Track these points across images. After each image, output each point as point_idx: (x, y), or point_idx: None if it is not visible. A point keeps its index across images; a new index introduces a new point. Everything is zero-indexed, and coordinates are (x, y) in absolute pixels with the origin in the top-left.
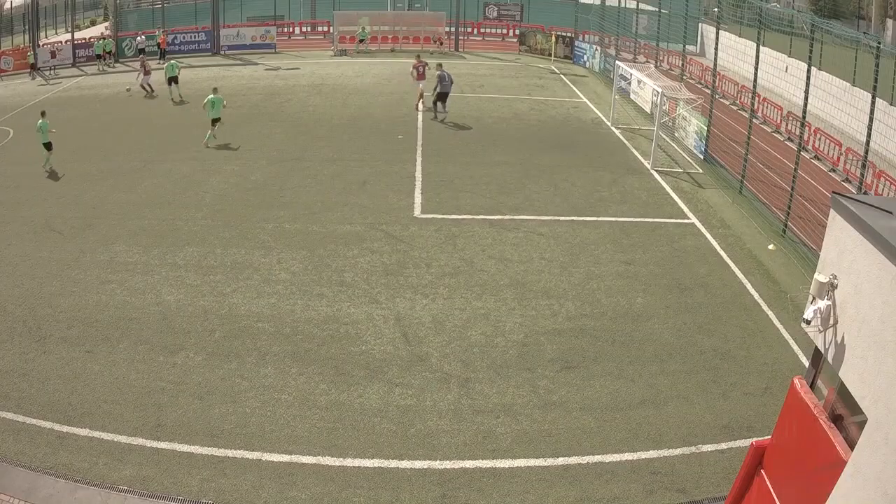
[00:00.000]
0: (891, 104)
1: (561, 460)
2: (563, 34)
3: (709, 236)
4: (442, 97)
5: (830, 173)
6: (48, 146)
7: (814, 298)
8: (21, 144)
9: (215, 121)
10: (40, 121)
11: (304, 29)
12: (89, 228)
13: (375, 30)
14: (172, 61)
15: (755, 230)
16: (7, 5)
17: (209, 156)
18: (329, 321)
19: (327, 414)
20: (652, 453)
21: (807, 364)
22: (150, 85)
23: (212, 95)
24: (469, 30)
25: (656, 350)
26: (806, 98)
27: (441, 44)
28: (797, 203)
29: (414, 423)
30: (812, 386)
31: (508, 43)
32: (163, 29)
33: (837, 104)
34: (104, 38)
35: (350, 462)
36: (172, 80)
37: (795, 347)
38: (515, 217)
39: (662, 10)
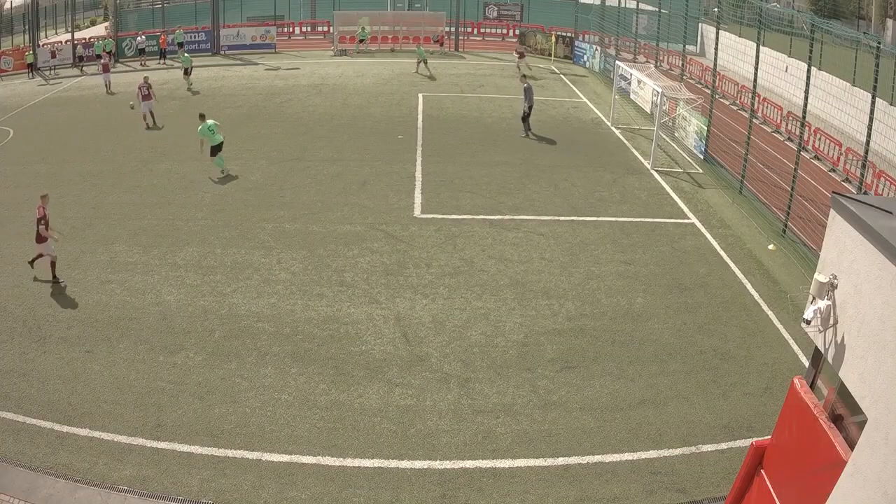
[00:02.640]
0: (891, 104)
1: (561, 460)
2: (563, 34)
3: (709, 236)
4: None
5: (830, 173)
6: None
7: (814, 298)
8: (21, 144)
9: (216, 148)
10: (210, 122)
11: (304, 29)
12: (89, 228)
13: (375, 30)
14: (186, 54)
15: (755, 230)
16: (7, 5)
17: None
18: (329, 321)
19: (327, 414)
20: (652, 453)
21: (807, 364)
22: (108, 83)
23: (208, 122)
24: (469, 30)
25: (656, 350)
26: (806, 98)
27: (441, 44)
28: (797, 203)
29: (414, 423)
30: (812, 386)
31: (508, 43)
32: (180, 28)
33: (837, 104)
34: (104, 39)
35: (350, 462)
36: (186, 71)
37: (795, 347)
38: (515, 217)
39: (662, 10)
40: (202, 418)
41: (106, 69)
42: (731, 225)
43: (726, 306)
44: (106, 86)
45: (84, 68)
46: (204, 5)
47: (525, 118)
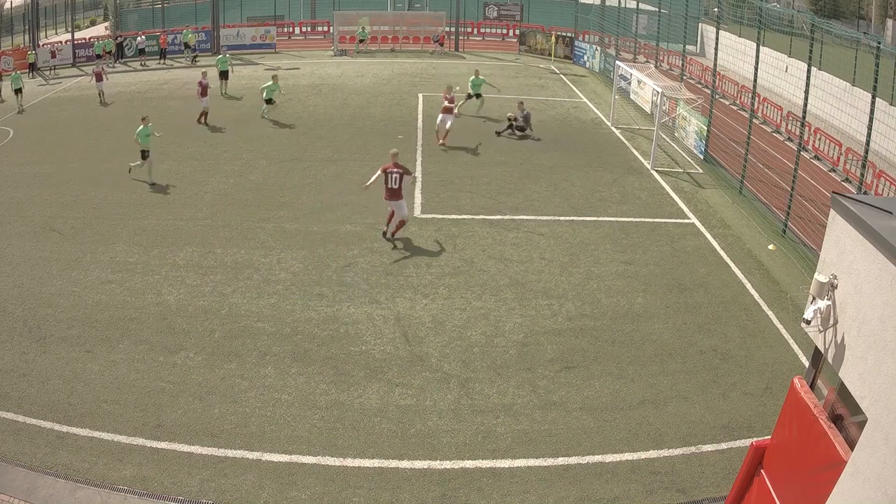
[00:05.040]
0: (891, 104)
1: (561, 460)
2: (563, 34)
3: (709, 236)
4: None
5: (830, 173)
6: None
7: (814, 298)
8: (21, 144)
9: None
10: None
11: (304, 29)
12: (89, 228)
13: (375, 30)
14: (221, 56)
15: (755, 230)
16: (7, 5)
17: (209, 156)
18: (329, 321)
19: (327, 414)
20: (652, 453)
21: (807, 364)
22: (102, 93)
23: (269, 83)
24: (469, 30)
25: (656, 350)
26: (806, 98)
27: (441, 44)
28: (797, 203)
29: (414, 423)
30: (812, 386)
31: (508, 43)
32: (188, 27)
33: (837, 104)
34: (104, 39)
35: (350, 462)
36: (223, 74)
37: (795, 347)
38: (515, 217)
39: (662, 10)
40: (202, 418)
41: (99, 77)
42: (731, 225)
43: (726, 306)
44: (99, 95)
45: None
46: (204, 5)
47: (520, 129)
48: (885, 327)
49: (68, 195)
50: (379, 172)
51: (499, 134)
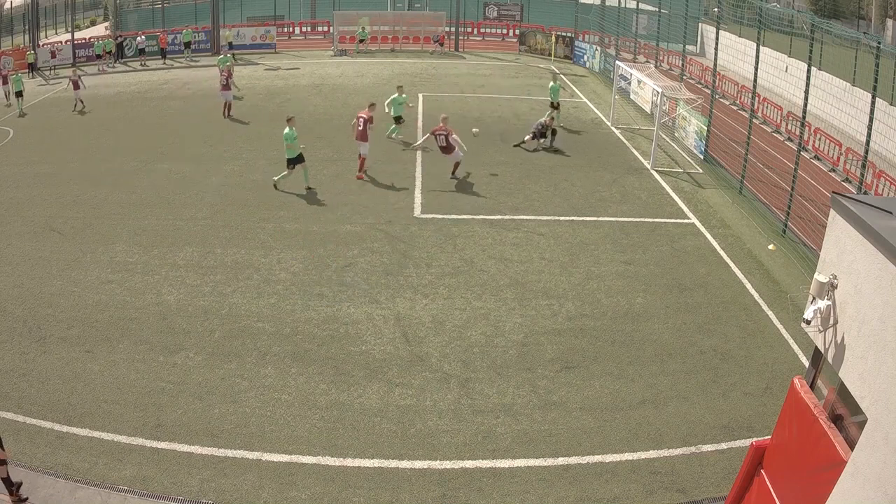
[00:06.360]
0: (891, 104)
1: (561, 460)
2: (563, 34)
3: (709, 236)
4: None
5: (830, 173)
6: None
7: (814, 298)
8: (21, 144)
9: (292, 161)
10: (287, 129)
11: (304, 29)
12: (89, 228)
13: (375, 30)
14: (222, 55)
15: (755, 230)
16: (7, 5)
17: (209, 156)
18: (329, 321)
19: (327, 414)
20: (652, 453)
21: (807, 364)
22: (81, 100)
23: (395, 95)
24: (469, 30)
25: (656, 350)
26: (806, 98)
27: (441, 44)
28: (797, 203)
29: (414, 423)
30: (812, 386)
31: (508, 43)
32: (224, 25)
33: (837, 104)
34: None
35: (350, 462)
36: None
37: (795, 347)
38: (515, 217)
39: (662, 10)
40: (202, 418)
41: (76, 86)
42: (731, 225)
43: (726, 306)
44: (77, 103)
45: (104, 67)
46: (204, 5)
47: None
48: (885, 327)
49: (68, 195)
50: (428, 135)
51: (544, 148)
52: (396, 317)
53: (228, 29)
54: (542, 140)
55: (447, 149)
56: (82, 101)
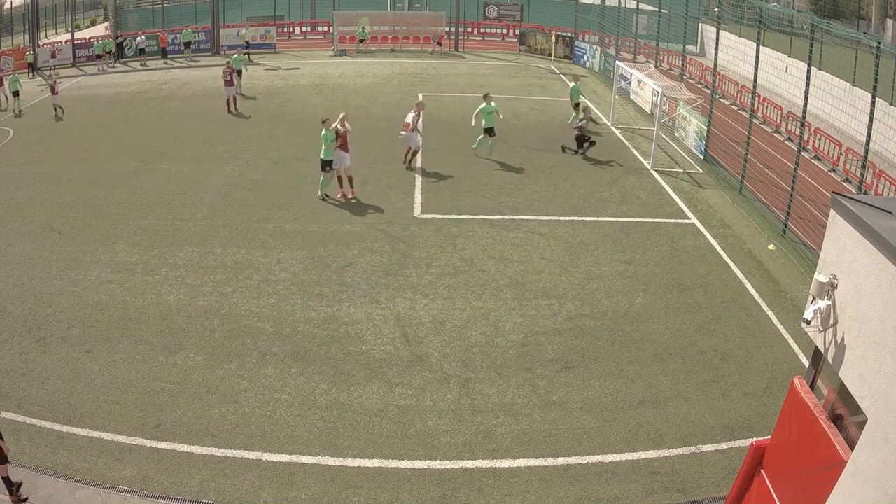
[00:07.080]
0: (891, 104)
1: (561, 460)
2: (563, 34)
3: (709, 236)
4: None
5: (830, 173)
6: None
7: (814, 298)
8: (21, 144)
9: (326, 163)
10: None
11: (304, 29)
12: (89, 228)
13: (375, 30)
14: (236, 55)
15: (755, 230)
16: (7, 5)
17: (209, 156)
18: (329, 321)
19: (327, 414)
20: (652, 453)
21: (807, 364)
22: (60, 106)
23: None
24: (469, 30)
25: (656, 350)
26: (806, 98)
27: (440, 44)
28: (797, 203)
29: (414, 423)
30: (812, 386)
31: (508, 43)
32: (188, 27)
33: (837, 104)
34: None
35: (350, 462)
36: (237, 73)
37: (795, 347)
38: (515, 217)
39: (662, 10)
40: (202, 418)
41: (53, 91)
42: (731, 225)
43: (726, 306)
44: (55, 109)
45: (104, 67)
46: (204, 5)
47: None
48: (885, 327)
49: (68, 195)
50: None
51: (581, 152)
52: (396, 317)
53: (245, 28)
54: (585, 145)
55: (409, 127)
56: (62, 108)
